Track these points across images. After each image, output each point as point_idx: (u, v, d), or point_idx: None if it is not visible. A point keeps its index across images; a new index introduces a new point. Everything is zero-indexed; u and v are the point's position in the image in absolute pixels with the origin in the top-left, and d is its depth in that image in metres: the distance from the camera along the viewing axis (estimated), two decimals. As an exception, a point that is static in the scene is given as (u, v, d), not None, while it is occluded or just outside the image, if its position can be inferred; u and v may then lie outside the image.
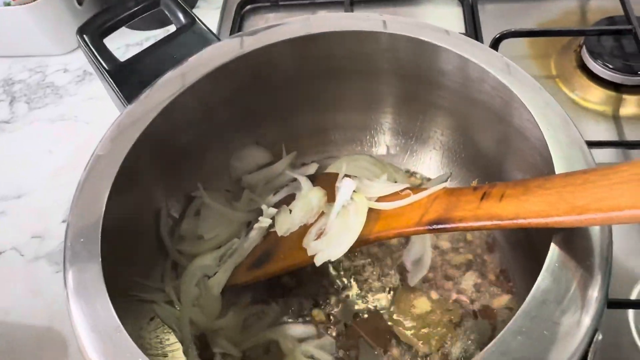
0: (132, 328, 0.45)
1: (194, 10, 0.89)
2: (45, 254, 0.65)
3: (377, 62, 0.47)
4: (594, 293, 0.29)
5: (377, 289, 0.49)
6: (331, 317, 0.48)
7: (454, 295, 0.48)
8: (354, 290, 0.49)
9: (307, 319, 0.48)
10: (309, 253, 0.42)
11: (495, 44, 0.69)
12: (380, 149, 0.55)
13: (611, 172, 0.29)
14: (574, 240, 0.30)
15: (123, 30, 0.86)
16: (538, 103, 0.36)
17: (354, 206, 0.41)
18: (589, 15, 0.79)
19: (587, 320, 0.28)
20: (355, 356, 0.46)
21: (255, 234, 0.48)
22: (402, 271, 0.49)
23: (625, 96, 0.68)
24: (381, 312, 0.48)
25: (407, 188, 0.40)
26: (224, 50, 0.44)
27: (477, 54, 0.40)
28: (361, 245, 0.41)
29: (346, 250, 0.40)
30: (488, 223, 0.32)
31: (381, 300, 0.48)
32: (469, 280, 0.48)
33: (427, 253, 0.50)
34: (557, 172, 0.33)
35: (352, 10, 0.83)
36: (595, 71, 0.69)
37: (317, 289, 0.49)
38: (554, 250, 0.30)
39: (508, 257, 0.49)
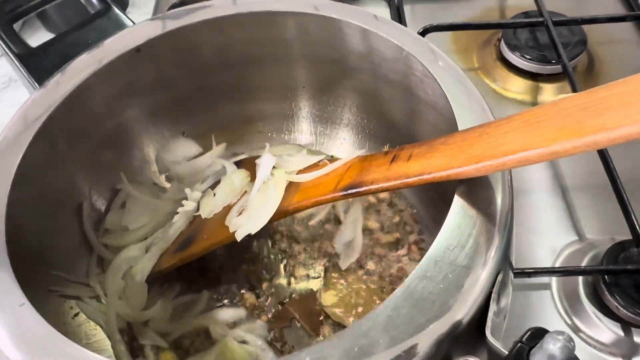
0: (54, 324, 0.44)
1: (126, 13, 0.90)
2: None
3: (294, 46, 0.47)
4: (496, 236, 0.30)
5: (308, 272, 0.49)
6: (263, 301, 0.48)
7: (383, 272, 0.49)
8: (285, 275, 0.49)
9: (238, 303, 0.47)
10: (231, 229, 0.42)
11: (419, 38, 0.71)
12: (304, 137, 0.56)
13: (504, 122, 0.30)
14: (475, 191, 0.32)
15: (43, 32, 0.85)
16: (444, 73, 0.38)
17: (273, 181, 0.41)
18: (507, 11, 0.83)
19: (490, 262, 0.29)
20: (287, 338, 0.46)
21: (180, 219, 0.47)
22: (333, 255, 0.50)
23: (541, 84, 0.72)
24: (313, 294, 0.48)
25: (323, 159, 0.41)
26: (142, 32, 0.44)
27: (393, 33, 0.42)
28: (281, 217, 0.41)
29: (265, 222, 0.40)
30: (397, 182, 0.33)
31: (313, 282, 0.48)
32: (397, 257, 0.49)
33: (357, 237, 0.50)
34: (459, 129, 0.34)
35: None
36: (513, 62, 0.73)
37: (249, 274, 0.49)
38: (457, 201, 0.31)
39: (432, 231, 0.50)
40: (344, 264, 0.48)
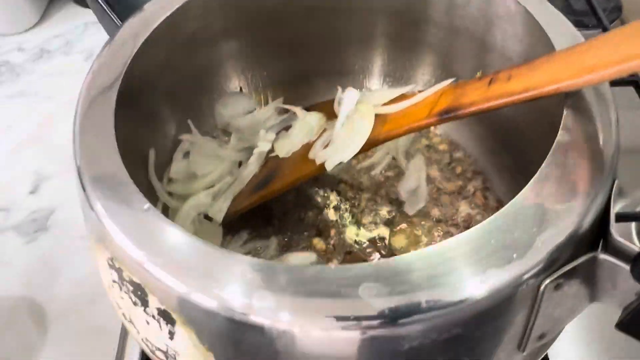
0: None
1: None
2: (12, 226, 0.61)
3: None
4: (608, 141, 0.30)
5: (375, 219, 0.49)
6: (331, 247, 0.48)
7: (450, 219, 0.49)
8: (352, 222, 0.49)
9: (307, 249, 0.47)
10: (318, 161, 0.42)
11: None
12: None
13: (612, 35, 0.31)
14: (581, 104, 0.32)
15: (76, 8, 0.85)
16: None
17: (358, 114, 0.41)
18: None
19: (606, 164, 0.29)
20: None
21: (254, 160, 0.47)
22: (399, 202, 0.50)
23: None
24: (382, 239, 0.48)
25: (412, 89, 0.41)
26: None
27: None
28: (371, 146, 0.41)
29: (357, 150, 0.40)
30: (500, 101, 0.33)
31: (380, 229, 0.49)
32: (463, 205, 0.50)
33: (422, 185, 0.51)
34: (557, 49, 0.34)
35: None
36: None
37: (316, 221, 0.49)
38: (567, 113, 0.31)
39: (493, 179, 0.51)
40: (411, 210, 0.48)
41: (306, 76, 0.56)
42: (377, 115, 0.41)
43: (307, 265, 0.42)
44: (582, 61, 0.31)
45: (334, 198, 0.50)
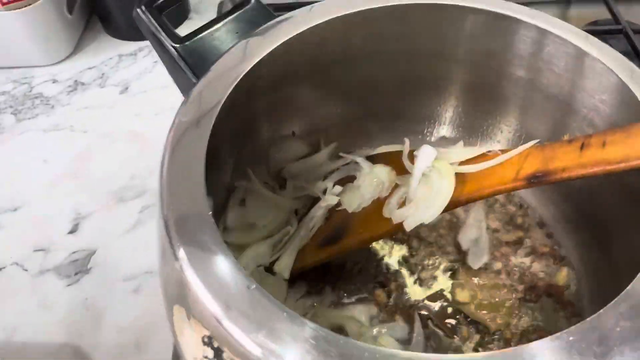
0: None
1: (186, 22, 0.89)
2: (52, 267, 0.60)
3: (440, 42, 0.47)
4: None
5: (436, 272, 0.48)
6: (394, 299, 0.46)
7: (511, 272, 0.48)
8: (413, 275, 0.48)
9: (368, 301, 0.46)
10: (395, 220, 0.41)
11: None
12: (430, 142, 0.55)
13: None
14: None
15: (110, 40, 0.84)
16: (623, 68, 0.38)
17: (436, 172, 0.40)
18: (572, 23, 0.84)
19: None
20: (428, 341, 0.44)
21: (319, 214, 0.46)
22: (460, 253, 0.49)
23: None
24: (443, 294, 0.47)
25: (492, 150, 0.40)
26: (281, 30, 0.43)
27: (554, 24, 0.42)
28: (453, 207, 0.40)
29: (439, 212, 0.39)
30: (597, 169, 0.33)
31: (442, 282, 0.47)
32: (524, 257, 0.49)
33: (483, 236, 0.50)
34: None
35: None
36: (590, 70, 0.73)
37: (375, 274, 0.48)
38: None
39: (558, 233, 0.50)
40: (475, 264, 0.47)
41: (360, 121, 0.55)
42: (455, 175, 0.40)
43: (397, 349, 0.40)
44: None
45: (392, 248, 0.49)
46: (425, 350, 0.43)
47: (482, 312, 0.45)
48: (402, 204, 0.42)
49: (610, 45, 0.76)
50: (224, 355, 0.28)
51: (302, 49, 0.46)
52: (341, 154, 0.51)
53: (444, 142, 0.54)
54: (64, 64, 0.82)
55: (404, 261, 0.49)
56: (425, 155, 0.41)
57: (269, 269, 0.46)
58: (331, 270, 0.48)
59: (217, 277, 0.29)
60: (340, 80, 0.50)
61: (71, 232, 0.63)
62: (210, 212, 0.32)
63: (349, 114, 0.54)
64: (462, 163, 0.41)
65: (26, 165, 0.70)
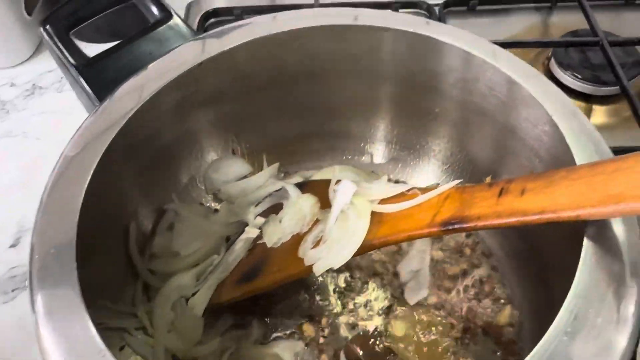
0: None
1: (154, 23, 0.87)
2: (-10, 282, 0.58)
3: (367, 62, 0.44)
4: (635, 284, 0.27)
5: (372, 306, 0.46)
6: (323, 336, 0.44)
7: (452, 309, 0.45)
8: (347, 309, 0.46)
9: (295, 336, 0.44)
10: (307, 262, 0.38)
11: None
12: (367, 158, 0.52)
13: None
14: (607, 233, 0.28)
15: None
16: (547, 95, 0.35)
17: (354, 210, 0.38)
18: (553, 29, 0.81)
19: (631, 316, 0.26)
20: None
21: (240, 247, 0.44)
22: (398, 287, 0.46)
23: (594, 106, 0.69)
24: (378, 329, 0.44)
25: (414, 188, 0.37)
26: (198, 50, 0.40)
27: (479, 46, 0.39)
28: (365, 251, 0.38)
29: (349, 256, 0.37)
30: (512, 220, 0.30)
31: (377, 317, 0.45)
32: (466, 292, 0.46)
33: (425, 269, 0.47)
34: (577, 163, 0.31)
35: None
36: (564, 82, 0.70)
37: (307, 304, 0.46)
38: (587, 245, 0.28)
39: (503, 267, 0.47)
40: (412, 299, 0.45)
41: (305, 139, 0.52)
42: (372, 213, 0.38)
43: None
44: (608, 186, 0.27)
45: (327, 278, 0.47)
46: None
47: (414, 350, 0.42)
48: (318, 243, 0.39)
49: (588, 57, 0.72)
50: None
51: (229, 67, 0.43)
52: (271, 179, 0.48)
53: (383, 163, 0.52)
54: (23, 67, 0.80)
55: (340, 292, 0.46)
56: (345, 191, 0.38)
57: (193, 299, 0.44)
58: (259, 302, 0.45)
59: (69, 339, 0.26)
60: (278, 99, 0.48)
61: (12, 245, 0.61)
62: (75, 265, 0.29)
63: (292, 132, 0.52)
64: (382, 201, 0.38)
65: (-25, 173, 0.68)
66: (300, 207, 0.42)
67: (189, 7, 0.86)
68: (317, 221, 0.41)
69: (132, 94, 0.37)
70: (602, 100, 0.69)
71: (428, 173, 0.51)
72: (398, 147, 0.51)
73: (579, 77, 0.69)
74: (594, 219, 0.28)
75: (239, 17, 0.83)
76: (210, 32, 0.42)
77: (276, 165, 0.52)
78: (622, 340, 0.25)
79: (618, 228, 0.28)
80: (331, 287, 0.47)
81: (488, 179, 0.32)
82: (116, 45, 0.40)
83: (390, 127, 0.50)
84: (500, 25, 0.81)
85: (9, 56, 0.78)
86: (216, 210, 0.50)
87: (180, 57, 0.40)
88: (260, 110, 0.49)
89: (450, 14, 0.82)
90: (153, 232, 0.47)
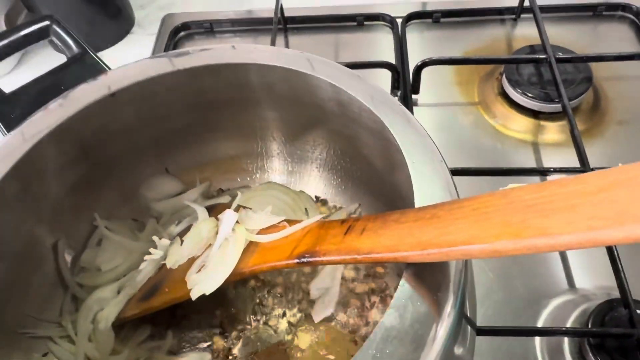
0: (21, 365, 0.44)
1: (129, 37, 0.91)
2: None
3: (262, 92, 0.47)
4: (441, 326, 0.29)
5: (281, 320, 0.48)
6: (232, 348, 0.47)
7: (356, 325, 0.48)
8: (257, 321, 0.48)
9: (207, 348, 0.47)
10: (189, 286, 0.41)
11: (417, 71, 0.70)
12: (283, 177, 0.55)
13: (456, 206, 0.29)
14: (424, 274, 0.30)
15: (54, 54, 0.86)
16: (406, 133, 0.37)
17: (233, 238, 0.41)
18: (515, 42, 0.81)
19: (432, 355, 0.28)
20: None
21: (148, 266, 0.47)
22: (307, 303, 0.49)
23: (543, 123, 0.70)
24: (284, 344, 0.47)
25: (283, 220, 0.40)
26: (116, 77, 0.43)
27: (350, 83, 0.41)
28: (236, 278, 0.40)
29: (220, 284, 0.40)
30: (347, 257, 0.32)
31: (284, 331, 0.48)
32: (374, 310, 0.48)
33: (335, 287, 0.49)
34: (416, 205, 0.33)
35: (285, 37, 0.84)
36: (514, 99, 0.71)
37: (221, 318, 0.49)
38: (403, 285, 0.30)
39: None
40: (317, 317, 0.47)
41: (229, 157, 0.55)
42: (251, 243, 0.40)
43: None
44: (422, 232, 0.29)
45: (241, 293, 0.50)
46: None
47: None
48: (202, 267, 0.42)
49: (541, 72, 0.73)
50: None
51: (148, 94, 0.46)
52: (188, 193, 0.52)
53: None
54: (6, 79, 0.85)
55: (254, 307, 0.49)
56: (227, 220, 0.41)
57: (111, 313, 0.47)
58: (176, 314, 0.49)
59: None
60: (195, 122, 0.51)
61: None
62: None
63: (218, 152, 0.54)
64: (260, 231, 0.41)
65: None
66: (200, 230, 0.45)
67: (163, 20, 0.89)
68: (209, 246, 0.44)
69: (40, 123, 0.40)
70: (551, 117, 0.70)
71: (327, 183, 0.55)
72: (291, 159, 0.55)
73: (528, 94, 0.69)
74: (408, 262, 0.30)
75: (209, 31, 0.86)
76: (141, 59, 0.45)
77: (207, 183, 0.55)
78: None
79: (440, 269, 0.31)
80: (246, 302, 0.50)
81: (343, 215, 0.34)
82: (31, 81, 0.43)
83: (281, 143, 0.54)
84: (463, 37, 0.82)
85: (-7, 68, 0.83)
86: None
87: (94, 87, 0.43)
88: (183, 134, 0.52)
89: (413, 26, 0.83)
90: (84, 246, 0.51)
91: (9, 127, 0.41)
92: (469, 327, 0.35)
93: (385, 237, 0.31)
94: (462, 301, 0.31)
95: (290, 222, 0.40)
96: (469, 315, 0.34)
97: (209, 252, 0.43)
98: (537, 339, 0.53)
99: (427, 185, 0.34)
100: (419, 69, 0.70)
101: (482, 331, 0.47)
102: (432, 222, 0.29)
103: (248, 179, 0.56)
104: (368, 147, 0.47)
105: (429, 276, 0.31)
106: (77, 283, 0.49)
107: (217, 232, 0.44)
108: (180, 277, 0.43)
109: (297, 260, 0.35)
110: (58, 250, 0.49)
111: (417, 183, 0.34)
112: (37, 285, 0.47)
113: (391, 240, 0.30)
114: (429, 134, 0.37)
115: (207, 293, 0.40)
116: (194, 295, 0.40)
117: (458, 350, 0.31)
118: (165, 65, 0.44)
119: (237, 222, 0.42)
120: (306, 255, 0.35)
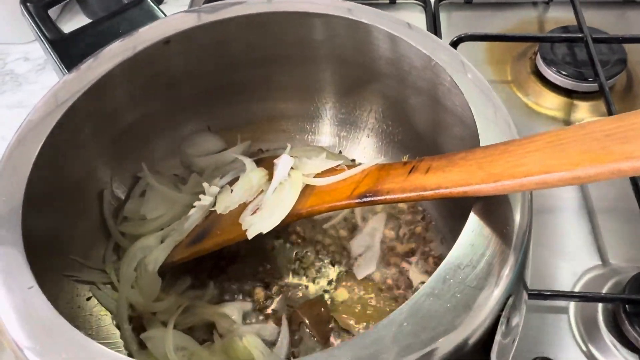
0: (66, 307, 0.44)
1: (161, 6, 0.91)
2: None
3: (322, 48, 0.47)
4: (510, 258, 0.29)
5: (322, 276, 0.49)
6: (273, 301, 0.47)
7: (398, 283, 0.48)
8: (298, 277, 0.49)
9: (248, 299, 0.47)
10: (243, 227, 0.42)
11: (453, 47, 0.70)
12: (327, 139, 0.56)
13: (526, 141, 0.29)
14: (493, 209, 0.31)
15: (86, 21, 0.87)
16: (471, 86, 0.37)
17: (289, 182, 0.41)
18: (546, 24, 0.81)
19: (502, 284, 0.28)
20: (293, 343, 0.45)
21: (196, 213, 0.47)
22: (348, 261, 0.49)
23: (576, 102, 0.70)
24: (324, 299, 0.47)
25: (341, 164, 0.40)
26: (173, 24, 0.44)
27: (423, 42, 0.41)
28: (293, 219, 0.41)
29: (277, 223, 0.40)
30: (413, 194, 0.32)
31: (325, 287, 0.48)
32: (414, 270, 0.49)
33: (375, 246, 0.50)
34: (481, 145, 0.33)
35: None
36: (548, 77, 0.71)
37: (262, 272, 0.49)
38: (472, 218, 0.30)
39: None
40: (360, 274, 0.48)
41: (271, 118, 0.56)
42: (307, 186, 0.41)
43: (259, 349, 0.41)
44: (493, 166, 0.29)
45: (283, 249, 0.50)
46: (289, 354, 0.44)
47: (356, 321, 0.45)
48: (257, 210, 0.42)
49: (574, 53, 0.73)
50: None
51: (198, 46, 0.47)
52: (229, 151, 0.52)
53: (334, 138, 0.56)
54: (36, 44, 0.85)
55: (293, 263, 0.50)
56: (283, 164, 0.42)
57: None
58: (219, 265, 0.49)
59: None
60: (244, 79, 0.51)
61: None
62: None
63: (258, 112, 0.55)
64: (317, 175, 0.41)
65: (-13, 140, 0.74)
66: (250, 178, 0.45)
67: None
68: (261, 192, 0.44)
69: (97, 67, 0.41)
70: (584, 96, 0.70)
71: (372, 148, 0.55)
72: (344, 124, 0.55)
73: (563, 73, 0.70)
74: (478, 195, 0.30)
75: None
76: (186, 10, 0.45)
77: (247, 142, 0.55)
78: (485, 302, 0.27)
79: (504, 204, 0.31)
80: (287, 258, 0.50)
81: (405, 158, 0.35)
82: (90, 23, 0.44)
83: (336, 106, 0.54)
84: (494, 18, 0.82)
85: (24, 33, 0.84)
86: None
87: (148, 34, 0.44)
88: (232, 90, 0.53)
89: (445, 6, 0.84)
90: (127, 197, 0.52)
91: (68, 66, 0.42)
92: (523, 289, 0.35)
93: (453, 173, 0.31)
94: (524, 261, 0.31)
95: (349, 166, 0.40)
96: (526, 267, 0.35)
97: (262, 197, 0.43)
98: (572, 310, 0.53)
99: (491, 128, 0.34)
100: (454, 44, 0.70)
101: (533, 295, 0.47)
102: (503, 157, 0.29)
103: (288, 140, 0.57)
104: (414, 109, 0.48)
105: (495, 215, 0.31)
106: (120, 232, 0.50)
107: (267, 180, 0.44)
108: (232, 221, 0.43)
109: (359, 200, 0.36)
110: (103, 199, 0.49)
111: (481, 125, 0.34)
112: (82, 231, 0.48)
113: (460, 175, 0.31)
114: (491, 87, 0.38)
115: (264, 232, 0.40)
116: (250, 235, 0.41)
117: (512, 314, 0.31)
118: (221, 13, 0.44)
119: (292, 168, 0.43)
120: (368, 195, 0.35)
